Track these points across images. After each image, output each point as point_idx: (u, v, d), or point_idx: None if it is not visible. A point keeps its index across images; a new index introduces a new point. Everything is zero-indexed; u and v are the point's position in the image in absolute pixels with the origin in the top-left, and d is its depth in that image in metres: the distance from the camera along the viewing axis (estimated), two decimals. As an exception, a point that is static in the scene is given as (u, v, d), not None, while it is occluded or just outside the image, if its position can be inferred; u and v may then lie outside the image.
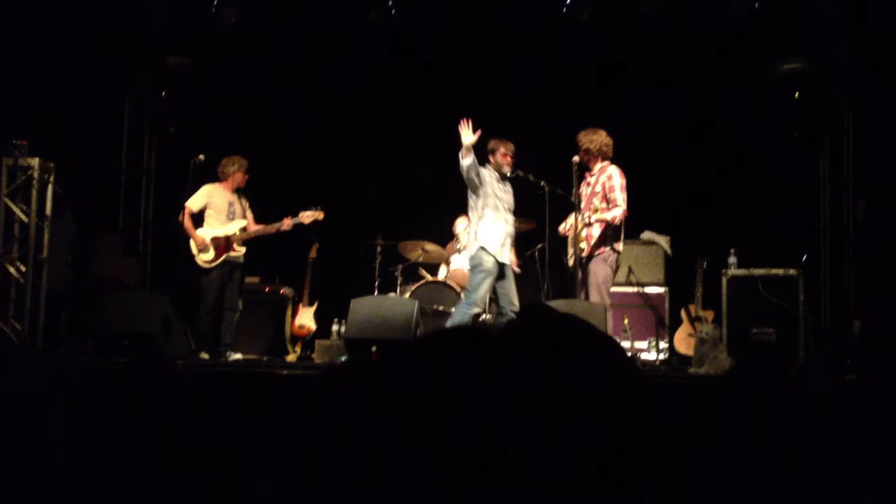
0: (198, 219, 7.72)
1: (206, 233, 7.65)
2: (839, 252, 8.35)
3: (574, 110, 8.77)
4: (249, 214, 7.85)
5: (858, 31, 7.78)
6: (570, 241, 7.07)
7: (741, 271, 7.42)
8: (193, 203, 7.66)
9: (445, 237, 9.20)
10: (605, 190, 6.90)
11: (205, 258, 7.60)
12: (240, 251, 7.71)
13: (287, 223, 7.78)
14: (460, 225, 9.17)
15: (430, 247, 8.94)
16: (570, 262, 7.04)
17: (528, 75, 9.06)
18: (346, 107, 9.55)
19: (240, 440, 2.60)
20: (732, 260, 7.63)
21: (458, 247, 9.04)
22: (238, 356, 7.64)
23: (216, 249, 7.62)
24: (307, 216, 7.82)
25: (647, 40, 8.85)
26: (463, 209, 9.17)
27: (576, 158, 7.01)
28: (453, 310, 7.30)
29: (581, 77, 9.08)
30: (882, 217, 7.49)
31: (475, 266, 6.85)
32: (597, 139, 6.95)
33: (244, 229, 7.72)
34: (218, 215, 7.68)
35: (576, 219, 6.88)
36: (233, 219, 7.72)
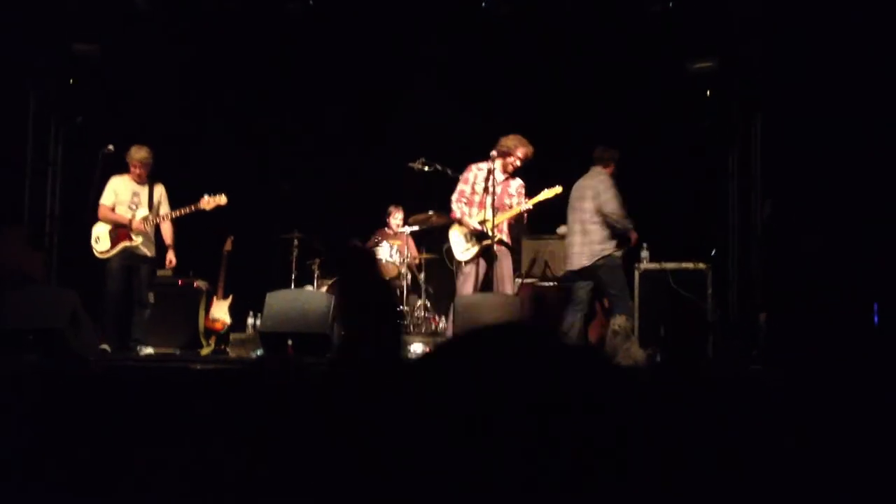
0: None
1: (103, 226, 7.50)
2: (746, 247, 8.60)
3: (490, 104, 8.83)
4: (166, 206, 7.68)
5: (767, 31, 8.01)
6: (466, 235, 7.20)
7: (653, 265, 7.59)
8: (107, 198, 7.54)
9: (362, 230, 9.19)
10: (517, 190, 7.27)
11: (99, 248, 7.46)
12: (136, 241, 7.51)
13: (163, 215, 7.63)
14: (396, 219, 9.20)
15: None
16: (469, 255, 7.18)
17: (447, 69, 9.08)
18: (263, 96, 9.43)
19: (154, 437, 2.54)
20: (645, 254, 7.80)
21: (376, 239, 9.04)
22: (149, 350, 7.48)
23: (112, 239, 7.47)
24: (209, 202, 7.64)
25: (563, 36, 8.95)
26: (391, 200, 9.20)
27: (494, 153, 7.18)
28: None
29: (498, 70, 9.15)
30: (786, 214, 7.75)
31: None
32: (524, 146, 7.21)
33: (145, 219, 7.54)
34: (120, 207, 7.54)
35: (494, 213, 7.01)
36: (136, 209, 7.55)
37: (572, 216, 7.33)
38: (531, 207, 7.18)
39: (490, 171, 7.12)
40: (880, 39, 6.20)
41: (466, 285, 7.13)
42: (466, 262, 7.19)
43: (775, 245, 7.76)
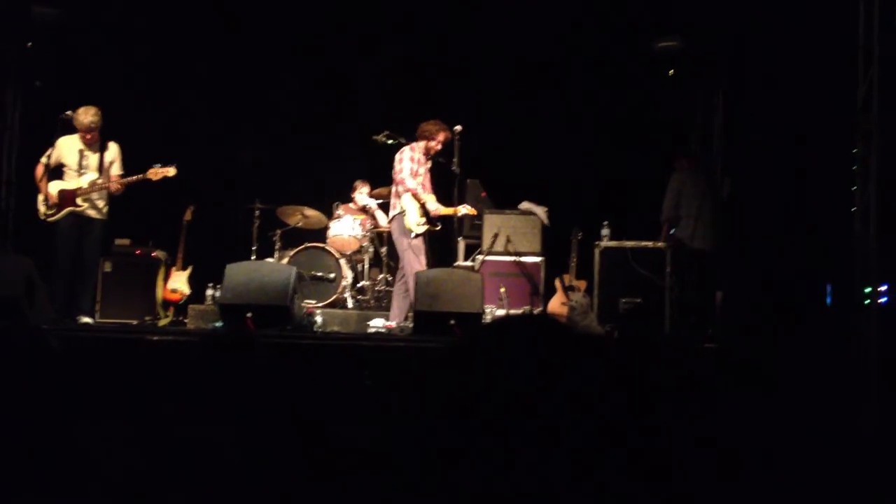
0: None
1: (54, 186, 7.38)
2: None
3: (454, 77, 8.81)
4: (118, 167, 7.52)
5: (732, 11, 8.05)
6: (419, 210, 7.32)
7: (613, 243, 7.66)
8: (46, 157, 7.37)
9: (324, 202, 9.14)
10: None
11: (46, 211, 7.34)
12: (84, 205, 7.39)
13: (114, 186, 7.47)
14: (361, 194, 9.17)
15: (310, 212, 8.85)
16: (422, 230, 7.37)
17: (412, 41, 9.03)
18: (228, 64, 9.31)
19: (109, 408, 2.53)
20: (605, 232, 7.86)
21: (338, 213, 9.01)
22: (88, 320, 7.36)
23: (60, 201, 7.35)
24: (157, 173, 7.50)
25: (528, 16, 8.93)
26: (357, 175, 9.17)
27: (458, 128, 7.26)
28: None
29: (463, 44, 9.12)
30: (745, 194, 7.84)
31: None
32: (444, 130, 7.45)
33: (93, 183, 7.40)
34: (68, 170, 7.41)
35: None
36: (84, 173, 7.41)
37: None
38: (467, 213, 7.64)
39: (424, 155, 7.39)
40: (840, 26, 6.27)
41: (420, 259, 7.26)
42: (417, 236, 7.30)
43: (732, 224, 7.86)
